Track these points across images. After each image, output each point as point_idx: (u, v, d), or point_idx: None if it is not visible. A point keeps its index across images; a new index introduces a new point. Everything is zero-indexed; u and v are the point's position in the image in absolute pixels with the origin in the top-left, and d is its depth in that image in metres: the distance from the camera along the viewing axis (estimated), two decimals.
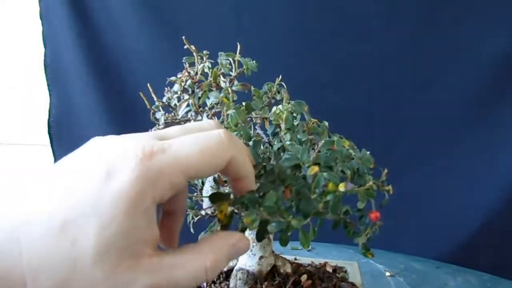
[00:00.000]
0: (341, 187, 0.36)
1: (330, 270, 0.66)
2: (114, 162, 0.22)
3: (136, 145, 0.23)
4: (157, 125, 0.53)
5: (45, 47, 1.36)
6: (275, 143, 0.48)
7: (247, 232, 0.59)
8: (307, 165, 0.38)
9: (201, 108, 0.51)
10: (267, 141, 0.49)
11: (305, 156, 0.39)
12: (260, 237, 0.39)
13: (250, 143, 0.45)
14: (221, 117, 0.49)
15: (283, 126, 0.46)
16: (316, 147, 0.42)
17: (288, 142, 0.44)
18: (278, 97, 0.52)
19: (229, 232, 0.29)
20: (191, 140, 0.25)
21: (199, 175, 0.25)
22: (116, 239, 0.21)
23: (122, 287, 0.21)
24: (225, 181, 0.47)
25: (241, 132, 0.45)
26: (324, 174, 0.37)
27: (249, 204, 0.35)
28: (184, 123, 0.54)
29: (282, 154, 0.43)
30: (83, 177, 0.22)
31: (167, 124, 0.52)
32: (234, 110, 0.46)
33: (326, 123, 0.50)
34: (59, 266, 0.21)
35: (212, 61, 0.53)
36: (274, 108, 0.50)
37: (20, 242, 0.21)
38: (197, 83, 0.52)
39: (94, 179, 0.22)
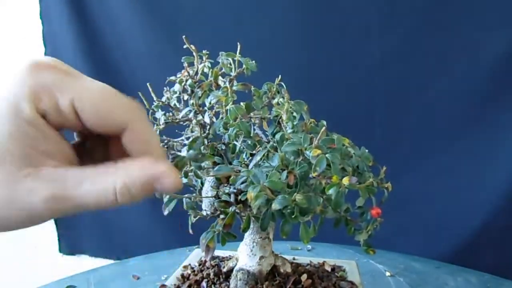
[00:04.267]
0: (345, 181, 0.37)
1: (329, 269, 0.66)
2: None
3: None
4: (155, 125, 0.52)
5: (45, 47, 1.36)
6: (277, 131, 0.48)
7: (248, 232, 0.59)
8: (309, 149, 0.38)
9: (201, 108, 0.51)
10: (266, 141, 0.49)
11: (307, 142, 0.40)
12: (264, 224, 0.39)
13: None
14: (220, 115, 0.49)
15: (284, 116, 0.46)
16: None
17: (289, 131, 0.44)
18: (278, 97, 0.52)
19: (159, 162, 0.24)
20: None
21: (82, 101, 0.23)
22: (8, 146, 0.22)
23: (24, 196, 0.22)
24: (227, 180, 0.47)
25: (240, 127, 0.45)
26: (327, 155, 0.37)
27: (253, 179, 0.36)
28: (184, 123, 0.54)
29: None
30: None
31: (167, 124, 0.52)
32: (233, 105, 0.46)
33: (324, 122, 0.50)
34: None
35: (212, 60, 0.53)
36: (275, 100, 0.50)
37: None
38: (197, 83, 0.52)
39: None
